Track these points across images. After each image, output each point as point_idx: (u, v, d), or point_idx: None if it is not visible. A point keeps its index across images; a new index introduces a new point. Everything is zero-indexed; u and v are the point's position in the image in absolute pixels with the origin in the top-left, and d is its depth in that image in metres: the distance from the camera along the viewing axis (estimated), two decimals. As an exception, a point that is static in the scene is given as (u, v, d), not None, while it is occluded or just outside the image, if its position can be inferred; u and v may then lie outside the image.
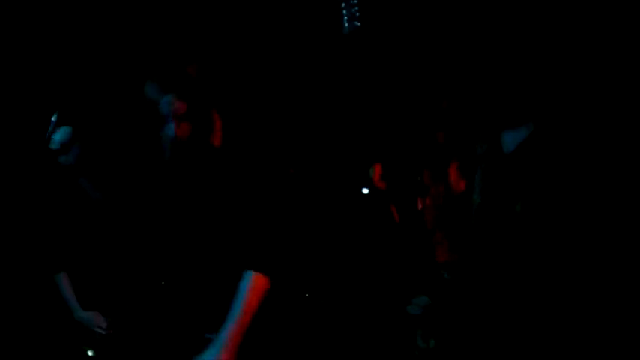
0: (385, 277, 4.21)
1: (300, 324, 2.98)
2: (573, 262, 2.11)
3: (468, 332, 2.21)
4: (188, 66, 4.57)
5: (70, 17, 4.38)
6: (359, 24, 4.49)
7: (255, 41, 4.70)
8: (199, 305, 2.89)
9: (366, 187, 4.51)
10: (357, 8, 4.52)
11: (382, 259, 4.27)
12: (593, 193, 2.12)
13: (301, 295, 3.94)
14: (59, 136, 3.48)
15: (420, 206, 4.03)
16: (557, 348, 2.10)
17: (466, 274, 2.26)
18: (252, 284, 2.70)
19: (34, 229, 3.61)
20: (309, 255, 3.02)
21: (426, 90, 4.30)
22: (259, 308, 2.70)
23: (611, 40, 2.89)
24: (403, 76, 4.43)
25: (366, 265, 4.26)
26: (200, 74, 4.65)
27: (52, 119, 3.61)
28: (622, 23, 2.90)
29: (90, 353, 3.45)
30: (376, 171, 4.48)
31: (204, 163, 2.97)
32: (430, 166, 4.02)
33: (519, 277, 2.16)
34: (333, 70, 4.65)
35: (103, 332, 3.46)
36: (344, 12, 4.58)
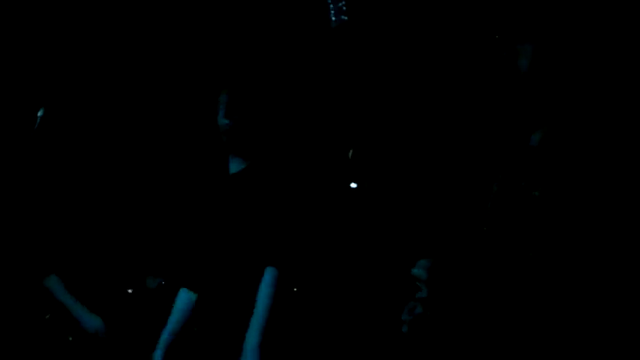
0: (377, 272, 4.20)
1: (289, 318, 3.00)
2: (584, 251, 2.11)
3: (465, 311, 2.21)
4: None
5: (59, 13, 4.35)
6: (346, 18, 4.47)
7: (240, 36, 4.68)
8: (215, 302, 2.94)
9: (355, 182, 4.50)
10: (344, 2, 4.51)
11: (372, 254, 4.26)
12: (606, 185, 2.13)
13: (290, 289, 3.94)
14: None
15: None
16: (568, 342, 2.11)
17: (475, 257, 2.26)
18: (274, 280, 2.80)
19: (19, 230, 3.55)
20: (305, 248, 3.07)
21: (418, 85, 4.30)
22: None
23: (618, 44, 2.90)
24: (393, 71, 4.43)
25: (357, 260, 4.26)
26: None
27: (38, 114, 3.58)
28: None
29: (70, 338, 3.44)
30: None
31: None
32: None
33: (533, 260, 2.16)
34: (321, 64, 4.64)
35: (101, 337, 3.43)
36: (331, 6, 4.56)
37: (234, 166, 3.17)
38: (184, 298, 3.13)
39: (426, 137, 4.28)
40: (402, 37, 4.38)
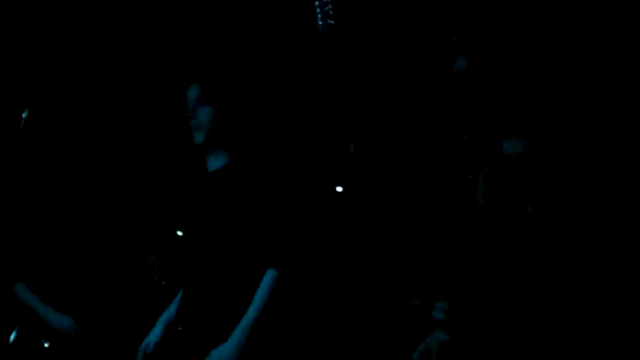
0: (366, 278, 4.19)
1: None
2: (588, 260, 2.10)
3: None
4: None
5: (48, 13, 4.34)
6: (333, 22, 4.48)
7: (227, 40, 4.68)
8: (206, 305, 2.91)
9: (340, 186, 4.50)
10: (330, 6, 4.52)
11: (363, 259, 4.26)
12: (604, 191, 2.12)
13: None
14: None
15: None
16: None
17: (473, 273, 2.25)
18: (274, 283, 2.76)
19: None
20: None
21: (405, 89, 4.30)
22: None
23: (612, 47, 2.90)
24: (379, 76, 4.43)
25: (345, 265, 4.25)
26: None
27: (23, 115, 3.56)
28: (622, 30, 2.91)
29: (46, 345, 3.43)
30: None
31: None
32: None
33: (534, 275, 2.15)
34: (307, 68, 4.64)
35: (72, 335, 3.43)
36: (317, 10, 4.57)
37: (214, 163, 3.09)
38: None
39: (404, 142, 4.28)
40: (387, 41, 4.39)
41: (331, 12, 4.51)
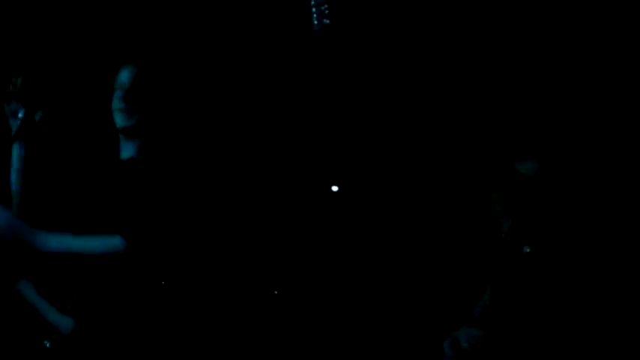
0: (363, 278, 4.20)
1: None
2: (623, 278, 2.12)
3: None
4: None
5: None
6: (328, 21, 4.48)
7: (222, 39, 4.68)
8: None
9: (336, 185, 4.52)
10: (326, 6, 4.52)
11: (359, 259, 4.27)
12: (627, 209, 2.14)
13: (270, 292, 3.94)
14: None
15: None
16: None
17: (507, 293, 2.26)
18: (109, 240, 2.84)
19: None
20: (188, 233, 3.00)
21: (404, 91, 4.31)
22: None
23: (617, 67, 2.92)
24: (375, 76, 4.44)
25: (341, 264, 4.26)
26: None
27: (19, 115, 3.55)
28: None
29: (47, 344, 3.43)
30: None
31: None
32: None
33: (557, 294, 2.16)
34: (303, 68, 4.65)
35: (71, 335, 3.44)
36: (313, 9, 4.57)
37: (127, 151, 3.01)
38: None
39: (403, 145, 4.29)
40: (384, 41, 4.40)
41: (327, 11, 4.51)
